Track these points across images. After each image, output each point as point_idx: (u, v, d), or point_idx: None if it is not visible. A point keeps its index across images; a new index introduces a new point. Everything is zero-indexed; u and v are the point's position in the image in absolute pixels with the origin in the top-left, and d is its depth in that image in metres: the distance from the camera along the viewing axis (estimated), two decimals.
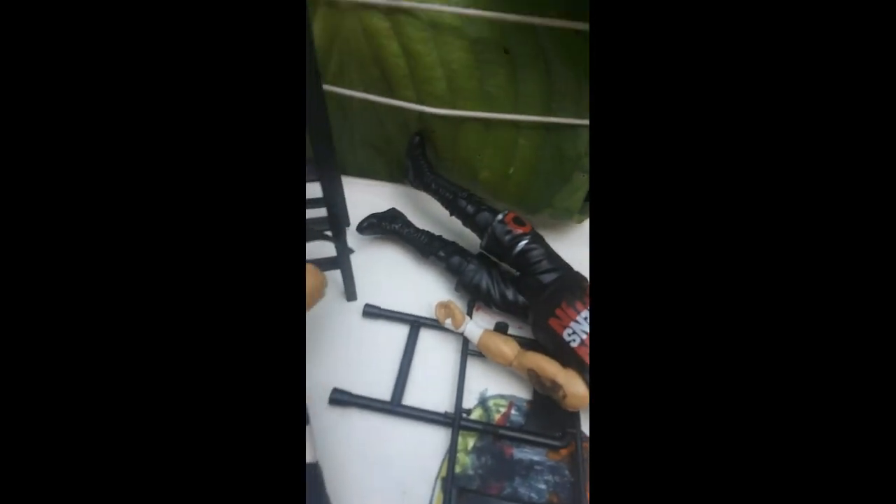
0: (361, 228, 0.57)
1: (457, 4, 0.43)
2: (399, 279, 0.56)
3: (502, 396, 0.48)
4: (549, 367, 0.43)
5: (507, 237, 0.50)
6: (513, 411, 0.47)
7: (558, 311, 0.45)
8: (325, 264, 0.48)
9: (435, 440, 0.45)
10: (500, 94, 0.48)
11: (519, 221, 0.51)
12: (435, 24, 0.43)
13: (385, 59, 0.47)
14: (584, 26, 0.44)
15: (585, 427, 0.46)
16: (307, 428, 0.36)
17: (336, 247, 0.46)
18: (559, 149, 0.52)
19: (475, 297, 0.53)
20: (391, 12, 0.44)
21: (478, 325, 0.49)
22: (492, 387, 0.49)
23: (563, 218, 0.59)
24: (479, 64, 0.46)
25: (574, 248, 0.63)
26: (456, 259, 0.54)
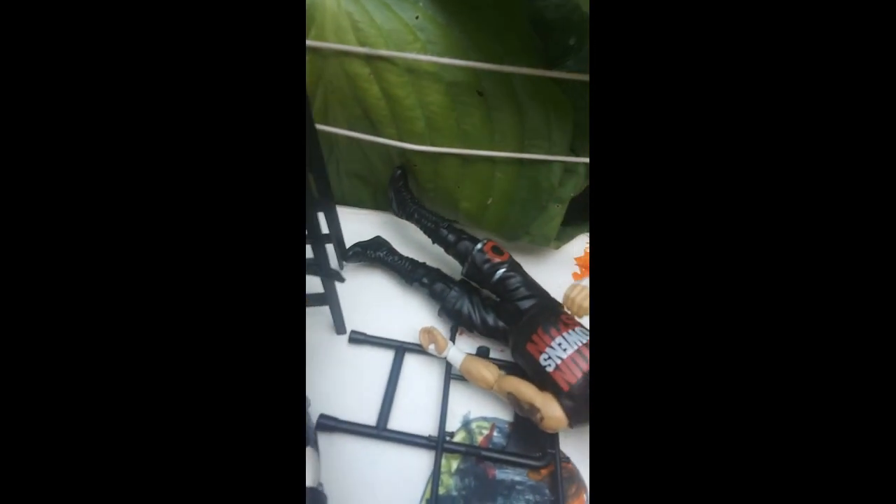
0: (347, 257, 0.60)
1: (432, 53, 0.46)
2: (384, 305, 0.59)
3: (485, 419, 0.50)
4: (527, 390, 0.45)
5: (486, 265, 0.53)
6: (495, 433, 0.49)
7: (534, 337, 0.47)
8: (312, 300, 0.50)
9: (420, 463, 0.46)
10: (475, 132, 0.51)
11: (497, 250, 0.54)
12: (412, 70, 0.46)
13: (366, 100, 0.50)
14: (557, 74, 0.48)
15: (564, 447, 0.48)
16: (313, 452, 0.38)
17: (322, 282, 0.48)
18: (534, 181, 0.56)
19: (458, 323, 0.55)
20: (371, 59, 0.47)
21: (460, 350, 0.51)
22: (474, 409, 0.51)
23: (541, 244, 0.62)
24: (456, 105, 0.49)
25: (552, 272, 0.66)
26: (439, 286, 0.56)
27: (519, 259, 0.63)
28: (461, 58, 0.47)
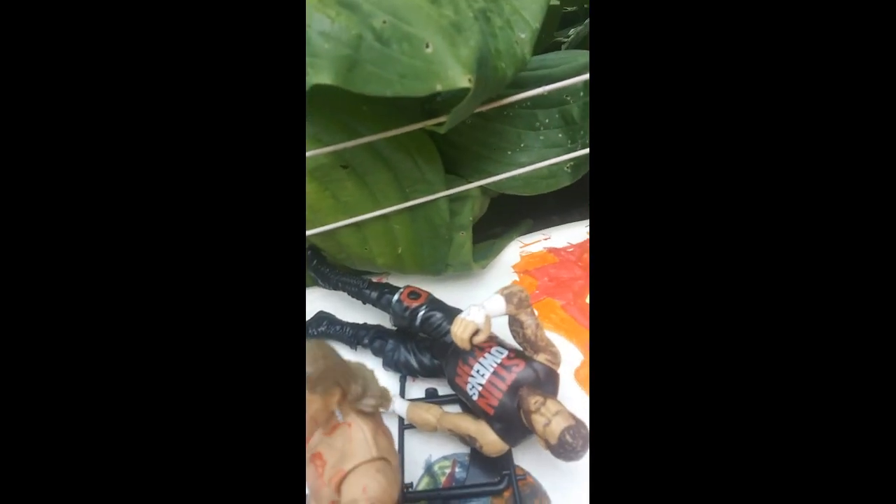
0: None
1: None
2: None
3: (445, 458, 0.53)
4: (462, 423, 0.48)
5: (406, 312, 0.56)
6: (457, 469, 0.51)
7: (458, 369, 0.49)
8: None
9: None
10: (355, 199, 0.55)
11: (414, 295, 0.57)
12: None
13: None
14: (409, 129, 0.51)
15: (521, 462, 0.50)
16: None
17: None
18: (429, 221, 0.59)
19: (401, 371, 0.58)
20: None
21: (403, 400, 0.54)
22: (434, 451, 0.53)
23: (464, 270, 0.64)
24: (326, 185, 0.53)
25: (492, 288, 0.68)
26: (378, 343, 0.60)
27: (457, 285, 0.66)
28: (314, 146, 0.51)
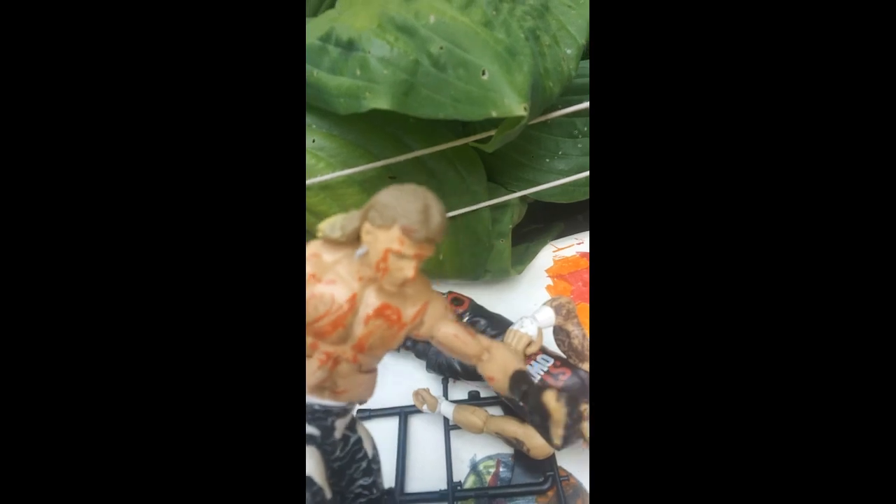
0: None
1: (337, 165, 0.52)
2: (381, 377, 0.65)
3: (490, 458, 0.55)
4: (510, 427, 0.50)
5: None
6: (501, 468, 0.54)
7: None
8: None
9: None
10: None
11: (457, 301, 0.59)
12: (326, 187, 0.53)
13: None
14: (467, 140, 0.53)
15: (564, 464, 0.52)
16: None
17: None
18: (471, 230, 0.60)
19: (444, 374, 0.61)
20: None
21: (450, 403, 0.56)
22: (479, 451, 0.56)
23: (502, 276, 0.66)
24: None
25: (527, 292, 0.70)
26: (420, 345, 0.62)
27: (490, 289, 0.68)
28: (364, 159, 0.53)
